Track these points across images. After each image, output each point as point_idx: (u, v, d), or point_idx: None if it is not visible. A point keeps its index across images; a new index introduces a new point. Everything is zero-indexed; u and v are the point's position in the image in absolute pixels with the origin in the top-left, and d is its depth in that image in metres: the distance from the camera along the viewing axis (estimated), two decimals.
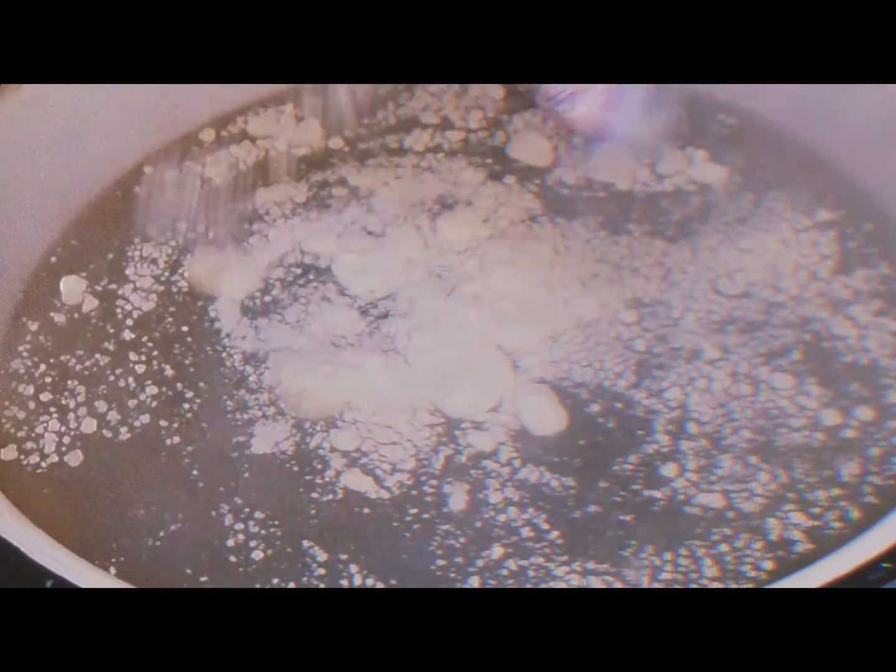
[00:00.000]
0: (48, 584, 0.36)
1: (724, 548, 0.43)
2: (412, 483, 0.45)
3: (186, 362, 0.51)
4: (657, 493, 0.44)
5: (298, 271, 0.55)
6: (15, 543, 0.38)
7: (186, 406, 0.49)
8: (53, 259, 0.56)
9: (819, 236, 0.56)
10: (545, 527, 0.44)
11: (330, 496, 0.45)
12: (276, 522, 0.44)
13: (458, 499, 0.45)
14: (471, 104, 0.65)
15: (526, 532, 0.43)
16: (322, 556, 0.43)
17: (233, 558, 0.43)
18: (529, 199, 0.58)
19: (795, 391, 0.48)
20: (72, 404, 0.49)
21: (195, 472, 0.46)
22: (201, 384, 0.50)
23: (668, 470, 0.45)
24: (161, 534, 0.44)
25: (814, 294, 0.52)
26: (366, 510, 0.44)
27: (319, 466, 0.46)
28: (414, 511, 0.44)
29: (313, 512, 0.44)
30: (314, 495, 0.45)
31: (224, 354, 0.51)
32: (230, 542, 0.44)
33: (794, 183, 0.58)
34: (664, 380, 0.48)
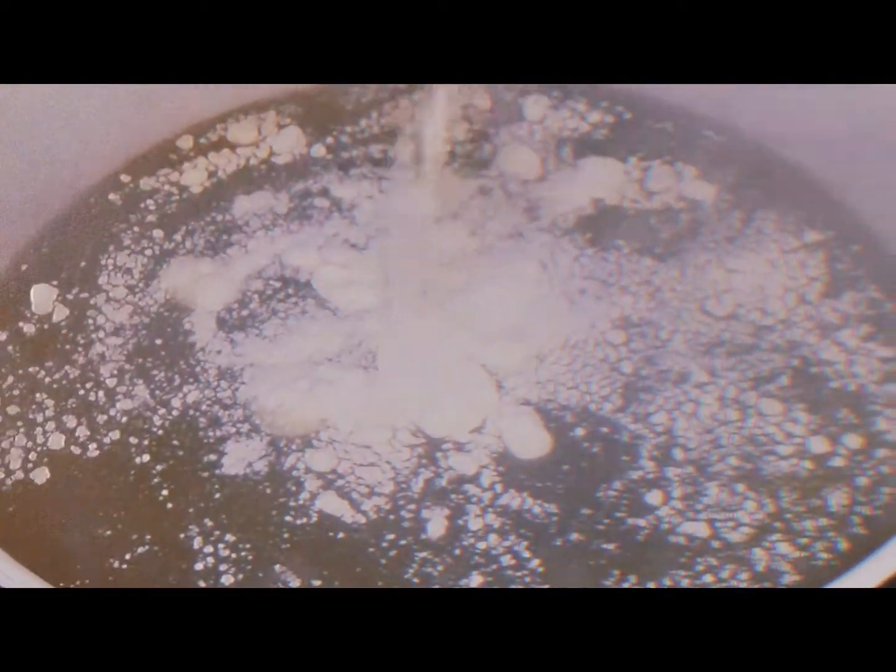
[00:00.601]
0: None
1: (708, 578, 0.41)
2: (390, 507, 0.43)
3: (159, 377, 0.49)
4: (641, 522, 0.43)
5: (278, 284, 0.53)
6: None
7: (158, 422, 0.47)
8: (24, 266, 0.54)
9: (807, 257, 0.54)
10: (526, 555, 0.42)
11: (304, 519, 0.43)
12: (248, 546, 0.42)
13: (437, 524, 0.43)
14: (457, 115, 0.63)
15: (506, 560, 0.42)
16: (295, 582, 0.41)
17: (202, 583, 0.41)
18: (517, 213, 0.57)
19: (783, 417, 0.46)
20: (39, 418, 0.47)
21: (164, 492, 0.44)
22: (173, 400, 0.48)
23: (654, 497, 0.43)
24: (127, 556, 0.42)
25: (802, 318, 0.51)
26: (341, 535, 0.42)
27: (294, 488, 0.44)
28: (391, 537, 0.42)
29: (286, 535, 0.42)
30: (287, 518, 0.43)
31: (198, 369, 0.49)
32: (199, 566, 0.42)
33: (782, 202, 0.57)
34: (651, 403, 0.47)
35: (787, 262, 0.54)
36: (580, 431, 0.46)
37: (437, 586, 0.41)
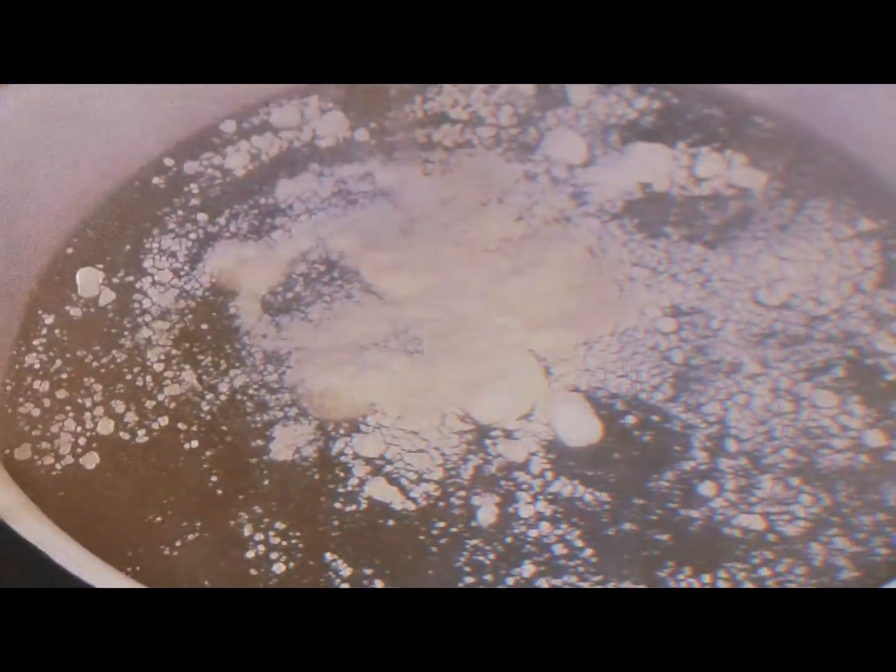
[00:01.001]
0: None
1: (765, 572, 0.40)
2: (439, 494, 0.43)
3: (205, 361, 0.48)
4: (695, 513, 0.42)
5: (322, 268, 0.52)
6: (36, 544, 0.36)
7: (206, 408, 0.46)
8: (70, 250, 0.54)
9: (861, 247, 0.53)
10: (579, 544, 0.41)
11: (353, 506, 0.42)
12: (298, 533, 0.42)
13: (487, 512, 0.42)
14: (501, 100, 0.62)
15: (559, 549, 0.41)
16: (346, 571, 0.40)
17: (253, 571, 0.41)
18: (563, 198, 0.55)
19: (838, 410, 0.45)
20: (88, 403, 0.47)
21: (214, 479, 0.44)
22: (221, 385, 0.47)
23: (707, 489, 0.43)
24: (178, 543, 0.42)
25: (857, 308, 0.49)
26: (391, 522, 0.42)
27: (342, 474, 0.44)
28: (441, 524, 0.42)
29: (336, 523, 0.42)
30: (337, 505, 0.42)
31: (244, 353, 0.48)
32: (250, 554, 0.41)
33: (834, 191, 0.55)
34: (702, 394, 0.46)
35: (840, 250, 0.52)
36: (630, 420, 0.45)
37: (488, 577, 0.40)
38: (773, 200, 0.55)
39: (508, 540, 0.41)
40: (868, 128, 0.56)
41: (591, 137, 0.58)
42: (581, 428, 0.45)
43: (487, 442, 0.45)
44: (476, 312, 0.50)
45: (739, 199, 0.55)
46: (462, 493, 0.43)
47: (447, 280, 0.51)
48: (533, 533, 0.41)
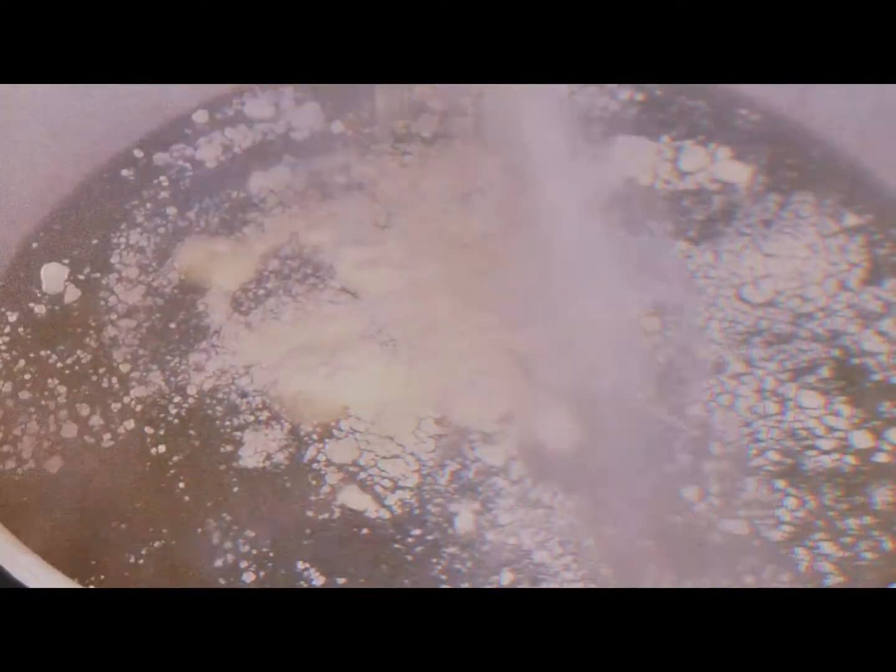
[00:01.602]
0: None
1: (749, 579, 0.39)
2: (415, 501, 0.41)
3: (173, 362, 0.46)
4: (677, 518, 0.41)
5: (295, 264, 0.50)
6: None
7: (173, 411, 0.44)
8: (35, 245, 0.51)
9: (847, 242, 0.51)
10: (558, 550, 0.40)
11: (326, 514, 0.41)
12: (268, 542, 0.40)
13: (464, 519, 0.40)
14: (481, 91, 0.60)
15: (538, 557, 0.39)
16: (318, 580, 0.39)
17: (222, 580, 0.39)
18: (544, 191, 0.54)
19: (824, 411, 0.44)
20: (52, 406, 0.45)
21: (181, 485, 0.42)
22: (188, 387, 0.45)
23: (690, 493, 0.41)
24: (143, 551, 0.40)
25: (843, 306, 0.48)
26: (364, 531, 0.40)
27: (314, 482, 0.42)
28: (417, 532, 0.40)
29: (308, 532, 0.40)
30: (309, 513, 0.41)
31: (214, 353, 0.46)
32: (218, 563, 0.39)
33: (819, 185, 0.54)
34: (686, 395, 0.44)
35: (826, 246, 0.51)
36: (612, 422, 0.44)
37: (465, 585, 0.39)
38: (759, 195, 0.53)
39: (486, 548, 0.40)
40: (851, 122, 0.55)
41: (572, 130, 0.56)
42: (561, 430, 0.43)
43: (465, 447, 0.43)
44: (455, 310, 0.48)
45: (724, 193, 0.53)
46: (439, 501, 0.41)
47: (425, 277, 0.49)
48: (511, 540, 0.40)
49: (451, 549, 0.40)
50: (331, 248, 0.51)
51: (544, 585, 0.39)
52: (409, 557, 0.39)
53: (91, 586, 0.39)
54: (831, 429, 0.43)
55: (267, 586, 0.39)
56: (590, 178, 0.54)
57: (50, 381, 0.46)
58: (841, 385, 0.45)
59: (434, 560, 0.39)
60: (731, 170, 0.54)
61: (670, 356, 0.46)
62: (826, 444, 0.43)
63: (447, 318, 0.48)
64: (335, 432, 0.43)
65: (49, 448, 0.43)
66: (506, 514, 0.41)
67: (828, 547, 0.40)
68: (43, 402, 0.45)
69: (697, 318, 0.47)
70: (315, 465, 0.42)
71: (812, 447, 0.43)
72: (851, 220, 0.52)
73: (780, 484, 0.41)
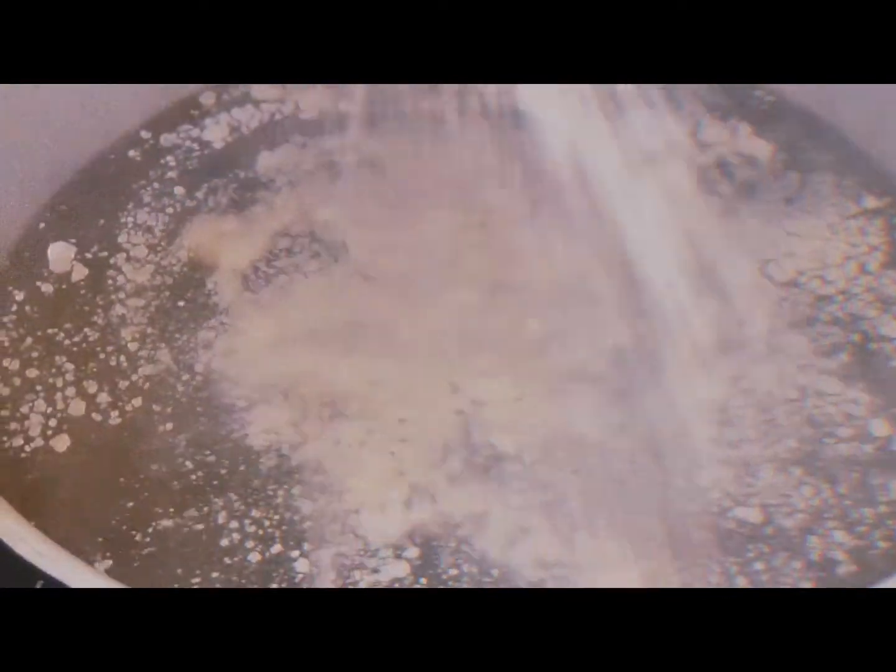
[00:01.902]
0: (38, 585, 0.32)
1: (759, 566, 0.38)
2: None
3: (181, 340, 0.46)
4: (691, 505, 0.40)
5: (306, 241, 0.50)
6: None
7: (181, 389, 0.44)
8: (42, 225, 0.51)
9: (867, 224, 0.50)
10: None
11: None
12: (275, 521, 0.40)
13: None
14: None
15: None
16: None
17: (227, 560, 0.39)
18: (561, 166, 0.52)
19: (843, 397, 0.43)
20: (59, 383, 0.44)
21: (188, 464, 0.42)
22: (197, 365, 0.45)
23: (704, 478, 0.41)
24: (150, 529, 0.40)
25: (862, 289, 0.47)
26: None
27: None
28: None
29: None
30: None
31: (222, 332, 0.46)
32: (224, 542, 0.39)
33: (837, 166, 0.53)
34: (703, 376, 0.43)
35: (846, 228, 0.50)
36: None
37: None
38: (779, 172, 0.52)
39: None
40: (868, 107, 0.53)
41: (587, 104, 0.55)
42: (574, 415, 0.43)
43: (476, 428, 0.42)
44: (465, 294, 0.47)
45: (746, 167, 0.52)
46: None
47: (435, 258, 0.48)
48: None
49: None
50: (342, 227, 0.50)
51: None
52: None
53: (96, 565, 0.39)
54: (849, 416, 0.42)
55: (272, 566, 0.38)
56: (607, 150, 0.53)
57: (57, 358, 0.45)
58: (859, 370, 0.44)
59: None
60: (752, 145, 0.53)
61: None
62: (844, 432, 0.42)
63: (456, 304, 0.47)
64: (345, 412, 0.43)
65: (56, 426, 0.43)
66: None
67: (841, 535, 0.39)
68: (50, 380, 0.45)
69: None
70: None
71: (830, 434, 0.42)
72: (870, 202, 0.51)
73: (797, 471, 0.41)
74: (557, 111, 0.54)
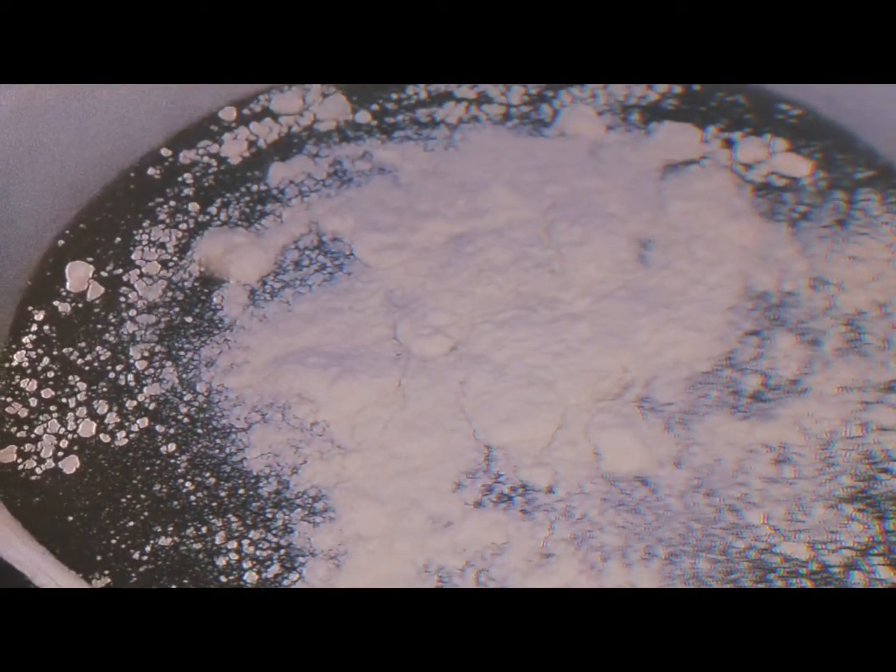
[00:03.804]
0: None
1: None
2: None
3: (186, 358, 0.46)
4: (739, 542, 0.37)
5: (314, 254, 0.49)
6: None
7: (184, 409, 0.44)
8: (61, 243, 0.52)
9: None
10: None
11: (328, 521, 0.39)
12: (274, 543, 0.39)
13: None
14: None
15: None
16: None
17: (223, 579, 0.38)
18: (585, 174, 0.50)
19: None
20: (72, 403, 0.45)
21: (188, 485, 0.41)
22: (199, 385, 0.45)
23: (754, 515, 0.38)
24: (148, 548, 0.40)
25: None
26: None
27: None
28: None
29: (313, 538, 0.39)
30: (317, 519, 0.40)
31: (226, 348, 0.46)
32: (221, 562, 0.39)
33: (878, 180, 0.50)
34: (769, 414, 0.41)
35: None
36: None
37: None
38: (825, 191, 0.50)
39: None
40: (882, 115, 0.50)
41: (610, 116, 0.53)
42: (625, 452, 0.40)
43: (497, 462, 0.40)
44: (487, 306, 0.45)
45: (791, 189, 0.50)
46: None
47: (450, 265, 0.47)
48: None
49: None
50: (351, 235, 0.49)
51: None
52: None
53: (95, 583, 0.38)
54: None
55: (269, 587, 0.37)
56: (631, 161, 0.51)
57: (71, 378, 0.46)
58: None
59: None
60: (792, 163, 0.51)
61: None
62: None
63: (472, 303, 0.45)
64: (346, 446, 0.41)
65: (67, 447, 0.43)
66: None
67: (884, 572, 0.36)
68: (63, 400, 0.45)
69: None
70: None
71: (886, 470, 0.39)
72: None
73: (848, 509, 0.38)
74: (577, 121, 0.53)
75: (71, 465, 0.43)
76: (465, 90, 0.56)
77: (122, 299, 0.49)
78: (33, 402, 0.45)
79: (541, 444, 0.40)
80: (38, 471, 0.43)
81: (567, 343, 0.43)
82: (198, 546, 0.39)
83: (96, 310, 0.49)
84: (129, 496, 0.41)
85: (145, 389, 0.45)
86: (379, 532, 0.38)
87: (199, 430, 0.43)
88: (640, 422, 0.40)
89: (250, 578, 0.38)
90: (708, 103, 0.54)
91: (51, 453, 0.43)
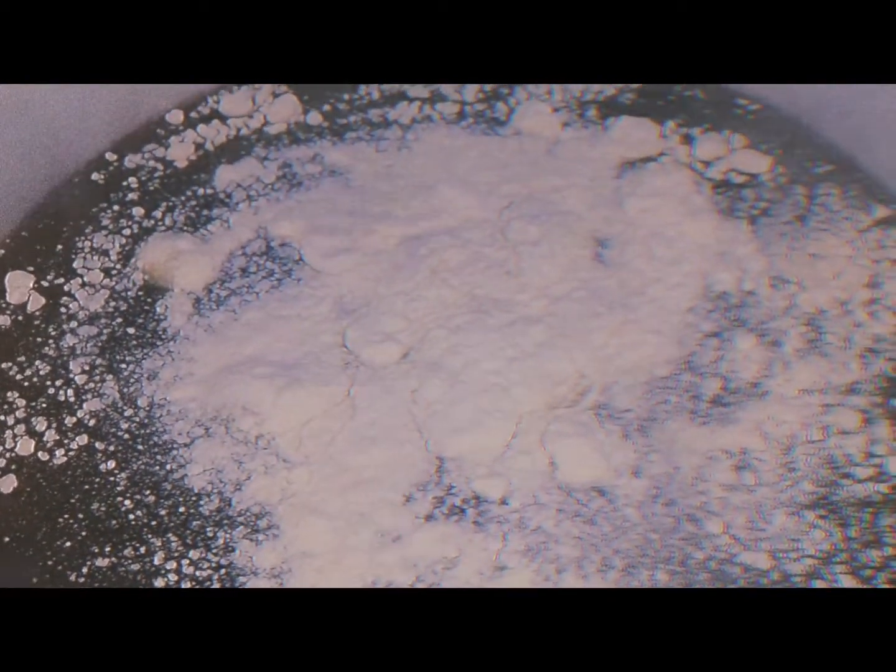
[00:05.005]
0: None
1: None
2: None
3: (128, 371, 0.44)
4: (698, 552, 0.37)
5: (262, 260, 0.48)
6: None
7: (124, 425, 0.43)
8: (1, 252, 0.50)
9: (883, 237, 0.46)
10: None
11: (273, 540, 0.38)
12: (213, 563, 0.38)
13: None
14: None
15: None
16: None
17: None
18: (539, 174, 0.49)
19: (865, 436, 0.39)
20: (10, 420, 0.44)
21: (127, 503, 0.40)
22: (140, 399, 0.43)
23: (714, 524, 0.37)
24: (85, 569, 0.38)
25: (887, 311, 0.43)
26: None
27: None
28: None
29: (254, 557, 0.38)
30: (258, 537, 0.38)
31: (169, 360, 0.45)
32: (159, 583, 0.38)
33: (835, 176, 0.49)
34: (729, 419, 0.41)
35: (865, 241, 0.46)
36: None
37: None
38: (784, 187, 0.49)
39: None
40: (839, 111, 0.50)
41: (566, 113, 0.52)
42: (582, 462, 0.39)
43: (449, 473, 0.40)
44: (440, 311, 0.44)
45: (750, 185, 0.49)
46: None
47: (402, 269, 0.46)
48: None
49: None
50: (300, 239, 0.48)
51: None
52: None
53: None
54: (869, 454, 0.39)
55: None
56: (588, 159, 0.50)
57: (10, 394, 0.45)
58: (881, 407, 0.40)
59: None
60: (750, 160, 0.50)
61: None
62: (862, 472, 0.38)
63: (426, 310, 0.44)
64: (291, 459, 0.40)
65: (5, 466, 0.42)
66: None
67: (846, 580, 0.35)
68: (2, 417, 0.44)
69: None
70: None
71: (848, 475, 0.38)
72: (880, 211, 0.47)
73: (809, 516, 0.37)
74: (535, 117, 0.52)
75: (8, 484, 0.42)
76: (418, 89, 0.55)
77: (63, 310, 0.47)
78: None
79: (495, 454, 0.40)
80: None
81: (522, 347, 0.42)
82: (136, 567, 0.38)
83: (36, 322, 0.47)
84: (66, 516, 0.40)
85: (85, 405, 0.43)
86: (325, 548, 0.37)
87: (140, 447, 0.42)
88: (598, 430, 0.40)
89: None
90: (666, 97, 0.54)
91: None
